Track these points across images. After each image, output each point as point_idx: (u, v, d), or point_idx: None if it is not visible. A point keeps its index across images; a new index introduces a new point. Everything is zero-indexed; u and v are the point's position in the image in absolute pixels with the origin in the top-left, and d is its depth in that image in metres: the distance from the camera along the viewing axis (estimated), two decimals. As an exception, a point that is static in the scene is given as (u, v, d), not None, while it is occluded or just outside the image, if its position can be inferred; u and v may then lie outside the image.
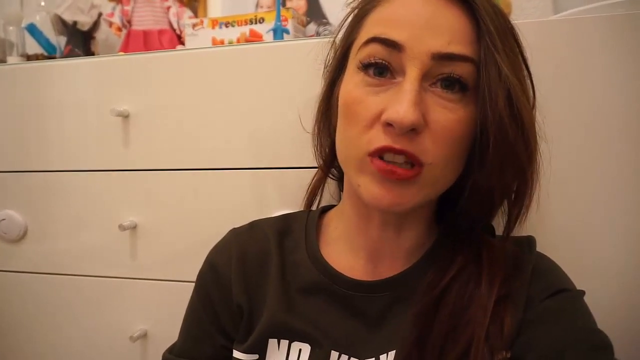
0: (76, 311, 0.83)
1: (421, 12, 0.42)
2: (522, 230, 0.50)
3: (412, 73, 0.41)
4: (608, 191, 0.59)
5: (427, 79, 0.42)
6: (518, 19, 0.48)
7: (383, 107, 0.41)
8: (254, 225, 0.57)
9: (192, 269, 0.57)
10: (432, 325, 0.44)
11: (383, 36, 0.42)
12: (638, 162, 0.58)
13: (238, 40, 0.88)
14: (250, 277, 0.53)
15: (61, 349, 0.85)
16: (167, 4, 1.04)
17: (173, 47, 1.02)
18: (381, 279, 0.50)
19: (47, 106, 0.80)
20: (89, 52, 1.02)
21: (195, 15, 1.08)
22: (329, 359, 0.48)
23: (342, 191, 0.55)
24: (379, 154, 0.42)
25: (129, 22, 1.03)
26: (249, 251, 0.54)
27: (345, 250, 0.52)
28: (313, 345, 0.49)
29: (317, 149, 0.57)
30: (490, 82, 0.40)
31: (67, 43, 1.01)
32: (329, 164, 0.58)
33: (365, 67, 0.43)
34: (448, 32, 0.41)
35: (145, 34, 1.02)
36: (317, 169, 0.60)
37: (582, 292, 0.47)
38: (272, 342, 0.50)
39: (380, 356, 0.47)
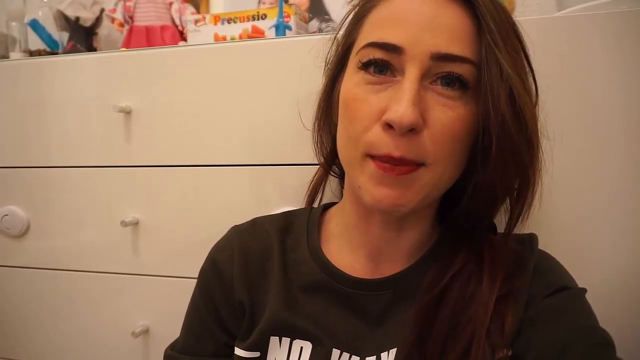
0: (78, 307, 0.83)
1: (421, 11, 0.41)
2: (525, 228, 0.50)
3: (412, 73, 0.41)
4: (610, 188, 0.59)
5: (427, 77, 0.42)
6: (521, 16, 0.48)
7: (383, 106, 0.41)
8: (255, 223, 0.57)
9: (194, 265, 0.58)
10: (433, 323, 0.44)
11: (382, 41, 0.42)
12: (639, 159, 0.58)
13: (240, 37, 0.87)
14: (252, 274, 0.53)
15: (63, 345, 0.85)
16: (169, 0, 1.04)
17: (175, 43, 1.02)
18: (382, 277, 0.50)
19: (49, 102, 0.80)
20: (91, 48, 1.03)
21: (198, 11, 1.08)
22: (331, 356, 0.48)
23: (344, 188, 0.55)
24: (378, 160, 0.42)
25: (131, 18, 1.03)
26: (251, 248, 0.54)
27: (346, 248, 0.52)
28: (314, 343, 0.49)
29: (317, 146, 0.57)
30: (492, 81, 0.40)
31: (70, 39, 1.01)
32: (330, 162, 0.58)
33: (365, 65, 0.43)
34: (448, 32, 0.41)
35: (148, 30, 1.02)
36: (318, 166, 0.60)
37: (584, 290, 0.47)
38: (274, 340, 0.50)
39: (382, 354, 0.47)
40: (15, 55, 1.00)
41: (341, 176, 0.61)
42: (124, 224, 0.75)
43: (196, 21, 0.90)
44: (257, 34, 0.86)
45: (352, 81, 0.45)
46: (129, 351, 0.80)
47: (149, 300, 0.79)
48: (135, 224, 0.77)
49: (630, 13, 0.57)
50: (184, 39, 1.02)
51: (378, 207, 0.43)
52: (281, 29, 0.81)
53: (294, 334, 0.50)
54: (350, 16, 0.50)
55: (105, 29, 1.08)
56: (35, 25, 1.02)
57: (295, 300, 0.51)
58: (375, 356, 0.47)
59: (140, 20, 1.02)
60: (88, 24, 1.02)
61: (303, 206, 0.64)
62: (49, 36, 1.04)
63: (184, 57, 0.74)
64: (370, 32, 0.44)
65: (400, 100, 0.40)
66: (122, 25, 1.04)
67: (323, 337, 0.49)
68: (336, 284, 0.50)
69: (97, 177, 0.79)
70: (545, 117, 0.49)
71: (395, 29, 0.42)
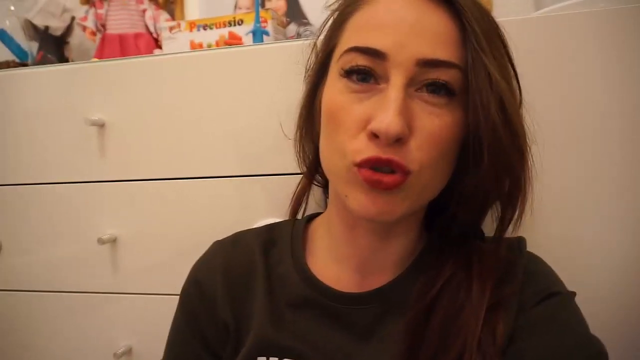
0: (57, 327, 0.80)
1: (404, 16, 0.40)
2: (517, 233, 0.49)
3: (397, 81, 0.40)
4: (599, 191, 0.59)
5: (413, 84, 0.41)
6: (500, 16, 0.47)
7: (368, 116, 0.40)
8: (238, 238, 0.56)
9: (177, 281, 0.55)
10: (424, 334, 0.43)
11: (364, 45, 0.41)
12: (626, 160, 0.58)
13: (217, 43, 0.86)
14: (236, 292, 0.51)
15: (43, 367, 0.82)
16: (142, 6, 1.01)
17: (150, 51, 0.99)
18: (369, 291, 0.48)
19: (19, 115, 0.77)
20: (62, 58, 0.99)
21: (172, 18, 1.05)
22: None
23: (328, 198, 0.54)
24: (366, 165, 0.40)
25: (104, 26, 1.00)
26: (234, 265, 0.52)
27: (331, 261, 0.51)
28: None
29: (299, 155, 0.56)
30: (480, 87, 0.40)
31: (40, 49, 0.97)
32: (313, 171, 0.56)
33: (347, 73, 0.42)
34: (433, 37, 0.40)
35: (121, 38, 0.99)
36: (301, 176, 0.59)
37: (573, 294, 0.46)
38: None
39: (372, 368, 0.46)
40: (-18, 67, 0.96)
41: (325, 185, 0.59)
42: (101, 241, 0.72)
43: (171, 28, 0.88)
44: (234, 40, 0.84)
45: (335, 89, 0.44)
46: (112, 372, 0.77)
47: (132, 319, 0.76)
48: (114, 240, 0.74)
49: (607, 12, 0.57)
50: (159, 47, 0.99)
51: (365, 216, 0.42)
52: (258, 34, 0.80)
53: (281, 353, 0.48)
54: (330, 21, 0.48)
55: (77, 38, 1.04)
56: (2, 35, 0.99)
57: (282, 317, 0.49)
58: (366, 372, 0.46)
59: (113, 28, 0.99)
60: (58, 33, 0.98)
61: (287, 217, 0.62)
62: (18, 46, 1.00)
63: (160, 66, 0.72)
64: (351, 37, 0.43)
65: (386, 110, 0.39)
66: (94, 33, 1.01)
67: (312, 354, 0.47)
68: (323, 299, 0.49)
69: (72, 193, 0.76)
70: (531, 120, 0.49)
71: (378, 34, 0.41)
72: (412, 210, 0.44)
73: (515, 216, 0.46)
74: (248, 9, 1.01)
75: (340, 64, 0.43)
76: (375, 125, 0.39)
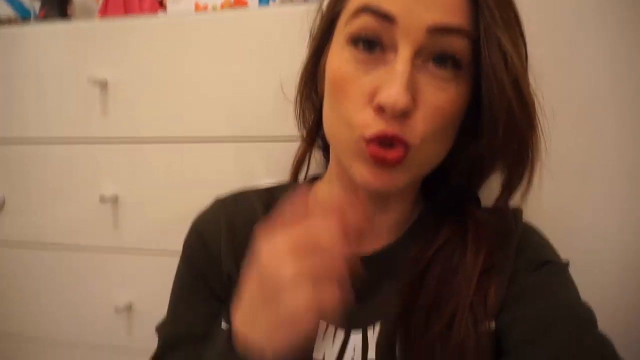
0: (59, 283, 0.82)
1: None
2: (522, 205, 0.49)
3: (404, 52, 0.39)
4: (606, 166, 0.59)
5: (420, 55, 0.40)
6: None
7: (374, 88, 0.40)
8: (239, 196, 0.56)
9: (176, 240, 0.56)
10: (418, 297, 0.45)
11: (375, 6, 0.40)
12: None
13: (222, 6, 0.84)
14: (239, 247, 0.52)
15: (45, 318, 0.84)
16: (147, -35, 0.99)
17: (154, 12, 0.97)
18: (366, 255, 0.49)
19: (21, 73, 0.77)
20: (65, 16, 0.98)
21: (177, -22, 1.03)
22: (317, 329, 0.48)
23: (329, 161, 0.54)
24: (376, 141, 0.41)
25: (107, -15, 0.98)
26: (237, 221, 0.53)
27: None
28: None
29: (299, 118, 0.56)
30: (494, 62, 0.39)
31: (42, 6, 0.96)
32: (314, 135, 0.56)
33: (354, 40, 0.42)
34: (444, 4, 0.39)
35: (125, -3, 0.97)
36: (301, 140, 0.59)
37: (567, 263, 0.47)
38: None
39: (367, 327, 0.47)
40: (-17, 23, 0.95)
41: (325, 148, 0.60)
42: (102, 199, 0.73)
43: (175, -11, 0.86)
44: (239, 2, 0.83)
45: (341, 58, 0.43)
46: (112, 327, 0.80)
47: (132, 276, 0.78)
48: (115, 199, 0.75)
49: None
50: (163, 8, 0.98)
51: (367, 188, 0.43)
52: (264, -3, 0.78)
53: None
54: None
55: (80, -4, 1.02)
56: (4, -9, 0.97)
57: None
58: (361, 330, 0.47)
59: (117, -12, 0.97)
60: (61, -10, 0.96)
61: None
62: (20, 3, 0.99)
63: (163, 28, 0.71)
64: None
65: (392, 83, 0.39)
66: (97, -8, 0.99)
67: None
68: None
69: (74, 151, 0.76)
70: (541, 94, 0.48)
71: None
72: (413, 181, 0.45)
73: (522, 187, 0.47)
74: (254, -28, 0.99)
75: (348, 29, 0.42)
76: (382, 99, 0.39)
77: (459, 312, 0.42)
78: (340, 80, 0.43)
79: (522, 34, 0.45)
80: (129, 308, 0.78)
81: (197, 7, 0.85)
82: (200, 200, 0.58)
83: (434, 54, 0.40)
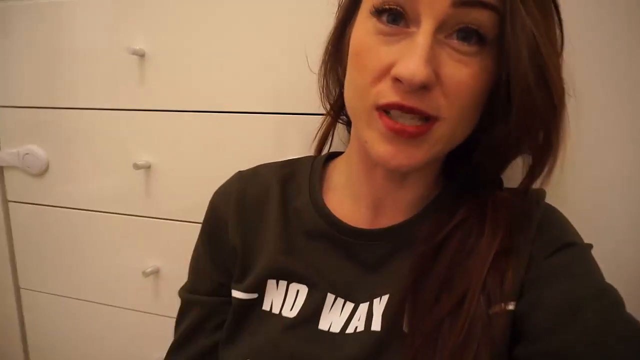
0: (92, 245, 0.86)
1: None
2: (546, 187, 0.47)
3: (427, 25, 0.38)
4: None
5: (443, 29, 0.39)
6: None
7: (394, 59, 0.39)
8: (258, 169, 0.57)
9: (204, 210, 0.58)
10: (430, 271, 0.44)
11: None
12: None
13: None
14: (247, 219, 0.53)
15: (77, 279, 0.89)
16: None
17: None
18: (381, 228, 0.49)
19: (63, 44, 0.80)
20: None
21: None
22: (325, 300, 0.49)
23: (351, 136, 0.54)
24: (387, 108, 0.40)
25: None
26: (249, 194, 0.54)
27: (347, 198, 0.52)
28: (310, 287, 0.49)
29: (323, 91, 0.55)
30: (517, 40, 0.37)
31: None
32: (337, 109, 0.56)
33: (378, 12, 0.41)
34: None
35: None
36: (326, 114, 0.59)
37: (590, 246, 0.45)
38: (271, 282, 0.51)
39: (374, 300, 0.47)
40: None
41: (348, 123, 0.59)
42: (136, 166, 0.76)
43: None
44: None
45: (364, 29, 0.43)
46: (140, 290, 0.83)
47: (161, 242, 0.81)
48: (148, 167, 0.78)
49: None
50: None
51: (385, 165, 0.42)
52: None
53: (291, 277, 0.50)
54: None
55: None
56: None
57: (294, 245, 0.51)
58: (368, 302, 0.47)
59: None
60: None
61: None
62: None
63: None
64: None
65: (411, 55, 0.37)
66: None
67: (319, 281, 0.49)
68: (335, 232, 0.50)
69: (112, 119, 0.79)
70: (571, 72, 0.46)
71: None
72: (433, 158, 0.43)
73: (545, 171, 0.45)
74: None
75: (373, 0, 0.42)
76: (398, 70, 0.38)
77: (470, 291, 0.41)
78: (361, 50, 0.42)
79: (556, 15, 0.43)
80: (156, 272, 0.81)
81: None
82: (230, 172, 0.59)
83: (457, 28, 0.39)
